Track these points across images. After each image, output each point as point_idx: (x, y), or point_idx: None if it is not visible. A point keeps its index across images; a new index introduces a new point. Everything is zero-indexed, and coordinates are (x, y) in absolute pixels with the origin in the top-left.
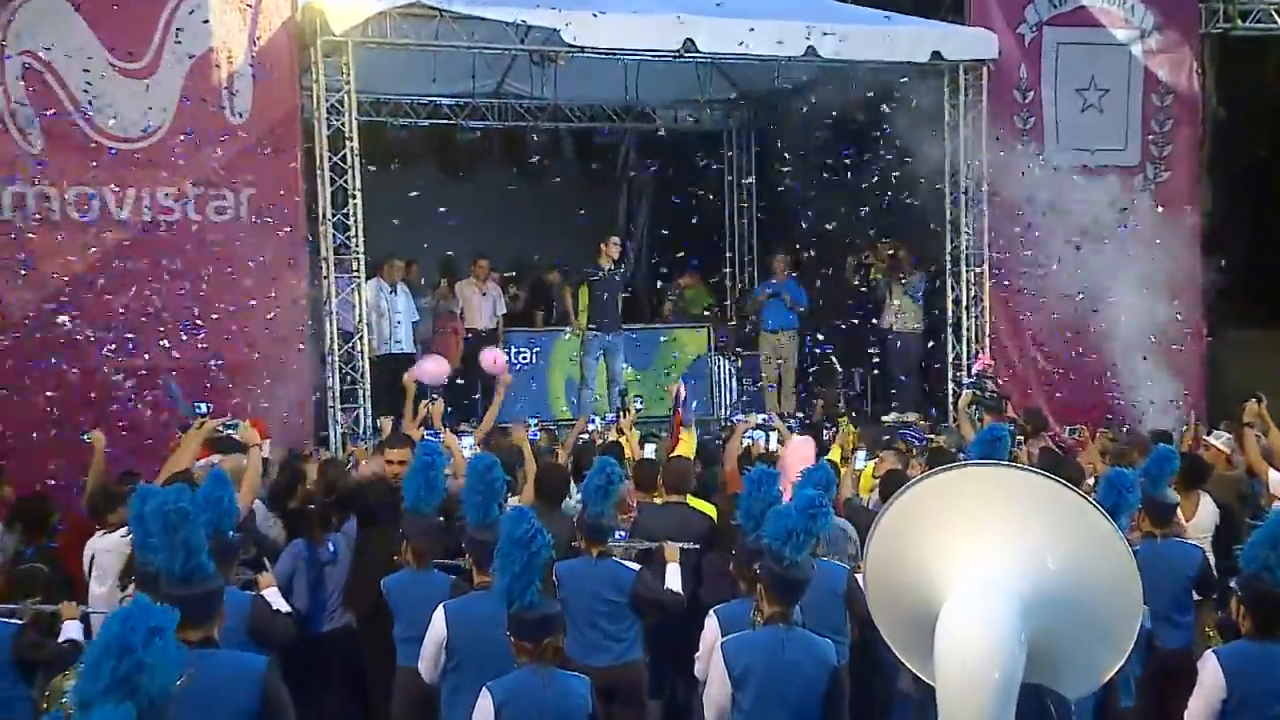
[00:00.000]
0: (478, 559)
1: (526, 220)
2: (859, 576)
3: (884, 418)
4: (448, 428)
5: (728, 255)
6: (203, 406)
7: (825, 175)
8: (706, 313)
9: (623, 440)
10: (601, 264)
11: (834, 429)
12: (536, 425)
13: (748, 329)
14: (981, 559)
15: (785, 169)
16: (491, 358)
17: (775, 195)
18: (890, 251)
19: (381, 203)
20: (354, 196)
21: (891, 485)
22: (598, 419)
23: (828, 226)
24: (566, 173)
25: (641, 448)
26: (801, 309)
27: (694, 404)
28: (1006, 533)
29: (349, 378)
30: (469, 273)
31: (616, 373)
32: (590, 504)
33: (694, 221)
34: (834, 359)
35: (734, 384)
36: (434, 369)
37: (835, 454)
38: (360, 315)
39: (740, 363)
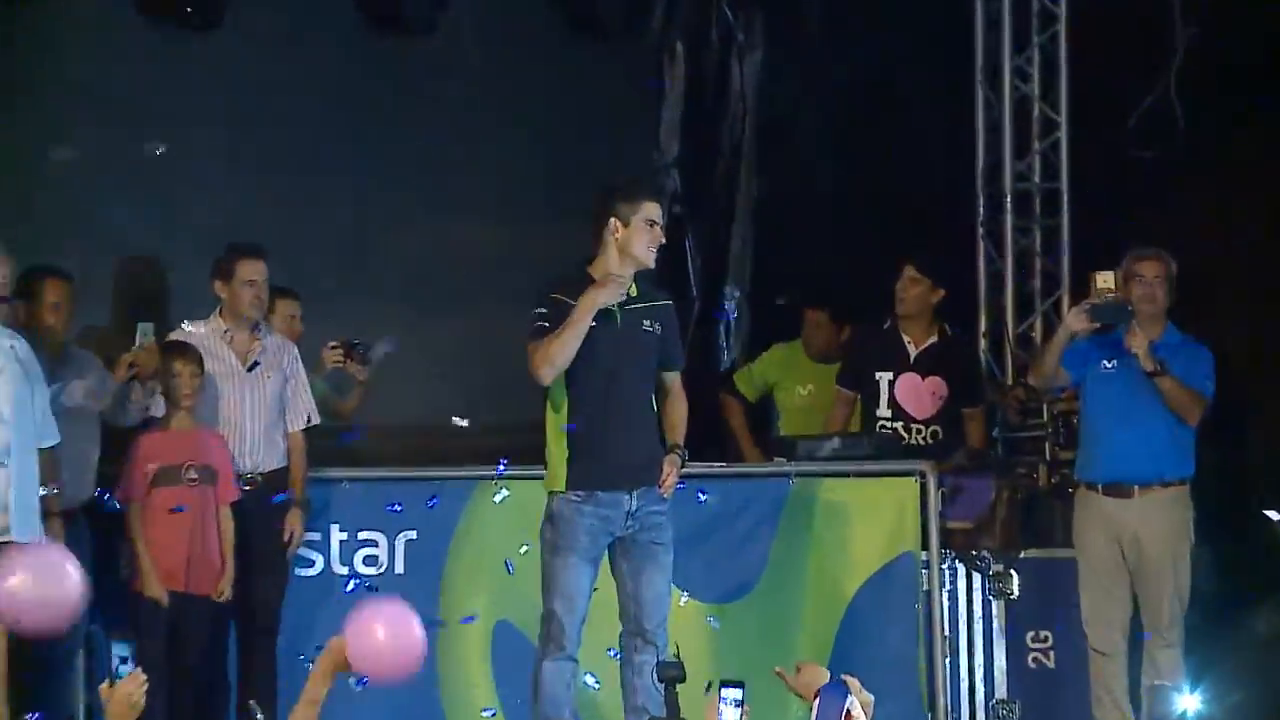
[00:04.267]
0: None
1: (416, 158)
2: None
3: None
4: None
5: (983, 253)
6: None
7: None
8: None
9: None
10: (607, 290)
11: None
12: None
13: (1050, 476)
14: None
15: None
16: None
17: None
18: None
19: None
20: None
21: None
22: None
23: None
24: (525, 34)
25: None
26: (1200, 395)
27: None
28: None
29: None
30: (227, 301)
31: (647, 612)
32: None
33: (876, 162)
34: None
35: (1002, 647)
36: None
37: None
38: None
39: (1014, 586)
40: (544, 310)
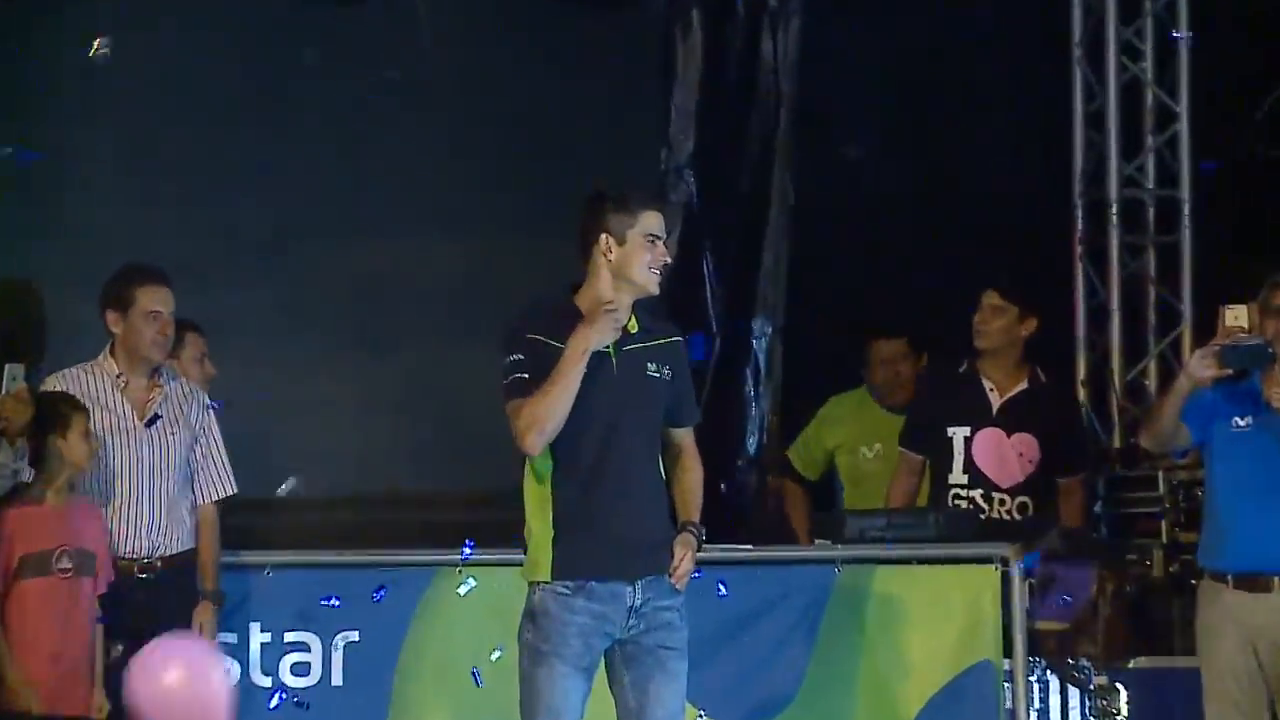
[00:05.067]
0: None
1: (355, 157)
2: None
3: None
4: None
5: (1082, 278)
6: None
7: None
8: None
9: None
10: (600, 326)
11: None
12: None
13: (1167, 564)
14: None
15: None
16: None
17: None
18: None
19: None
20: None
21: None
22: None
23: None
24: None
25: None
26: None
27: None
28: None
29: None
30: (121, 337)
31: None
32: None
33: (945, 162)
34: None
35: None
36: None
37: None
38: None
39: (1121, 704)
40: (520, 357)
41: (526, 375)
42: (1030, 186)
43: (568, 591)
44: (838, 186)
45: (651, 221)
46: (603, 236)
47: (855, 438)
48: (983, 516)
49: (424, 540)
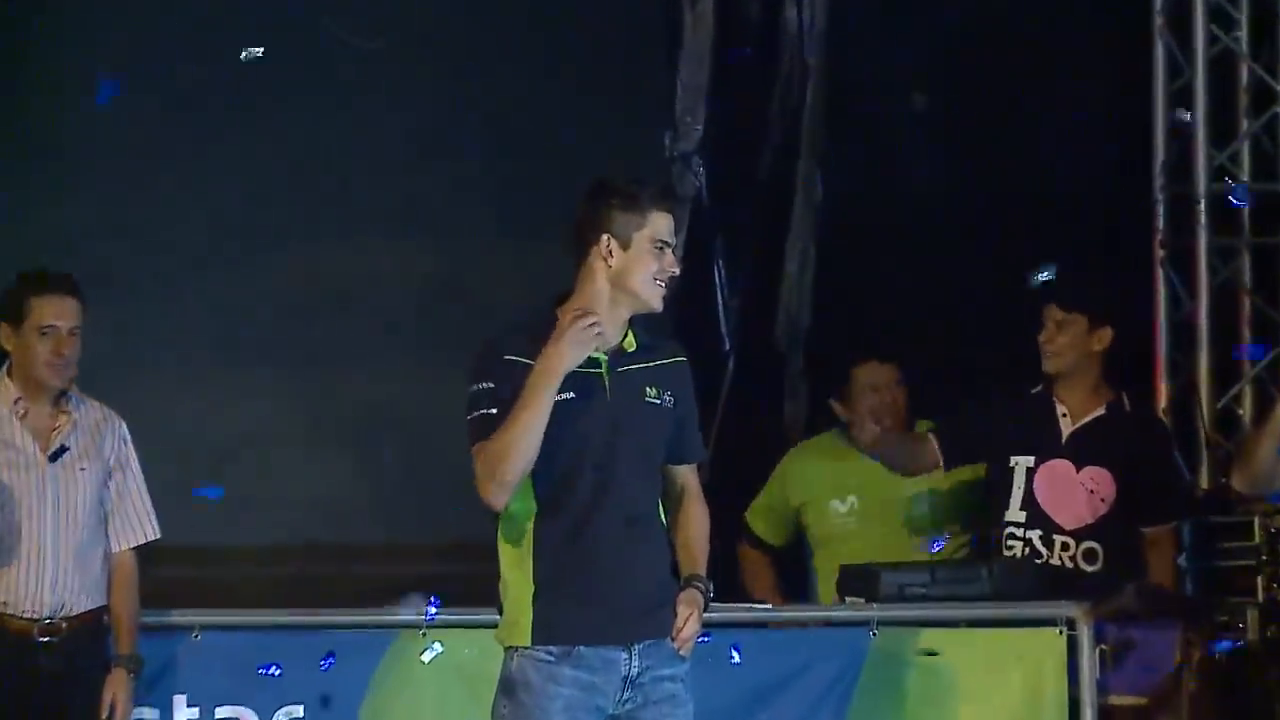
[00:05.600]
0: None
1: (301, 147)
2: None
3: None
4: None
5: (1164, 288)
6: None
7: None
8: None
9: None
10: (571, 339)
11: None
12: None
13: (1264, 627)
14: None
15: None
16: None
17: None
18: None
19: None
20: None
21: None
22: None
23: None
24: None
25: None
26: None
27: None
28: None
29: None
30: (15, 355)
31: None
32: None
33: (1001, 149)
34: None
35: None
36: None
37: None
38: None
39: None
40: (489, 385)
41: (494, 410)
42: (1102, 180)
43: (551, 658)
44: (873, 178)
45: (662, 224)
46: (604, 237)
47: (824, 491)
48: (1039, 561)
49: (381, 598)
